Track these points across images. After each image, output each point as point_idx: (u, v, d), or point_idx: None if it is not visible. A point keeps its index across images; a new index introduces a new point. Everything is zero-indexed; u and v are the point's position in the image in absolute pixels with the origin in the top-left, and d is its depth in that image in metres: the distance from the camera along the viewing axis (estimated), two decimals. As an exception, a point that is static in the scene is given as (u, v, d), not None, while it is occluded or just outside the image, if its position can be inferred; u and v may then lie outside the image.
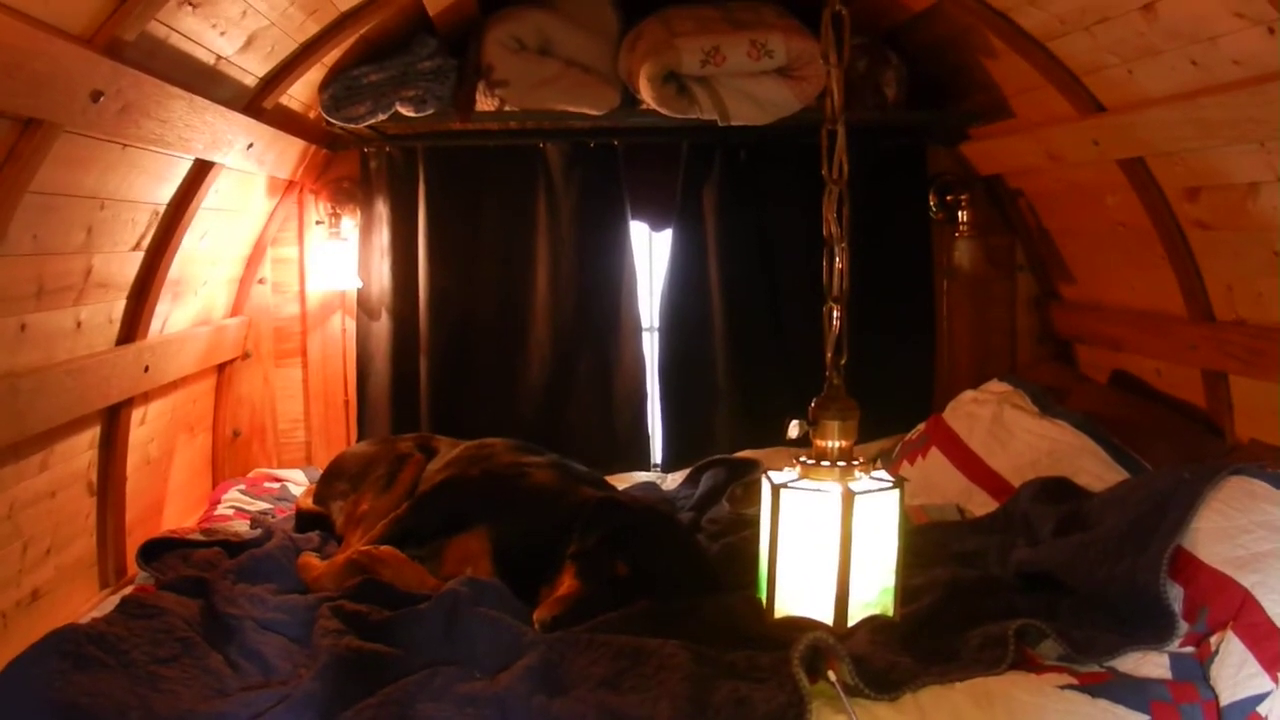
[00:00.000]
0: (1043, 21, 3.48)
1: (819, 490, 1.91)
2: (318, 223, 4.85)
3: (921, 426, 4.42)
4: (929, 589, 2.97)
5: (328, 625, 2.86)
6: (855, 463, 1.95)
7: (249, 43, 3.30)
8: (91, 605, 3.27)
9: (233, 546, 3.54)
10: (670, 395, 4.92)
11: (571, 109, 4.28)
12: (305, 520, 3.93)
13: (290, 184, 4.64)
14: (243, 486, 4.37)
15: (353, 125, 4.25)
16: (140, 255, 3.42)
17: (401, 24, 4.11)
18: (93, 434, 3.42)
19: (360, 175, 4.80)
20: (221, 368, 4.64)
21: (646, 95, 4.13)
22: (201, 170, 3.49)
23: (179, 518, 4.16)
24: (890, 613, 1.99)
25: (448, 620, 2.87)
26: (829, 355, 2.00)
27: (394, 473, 3.90)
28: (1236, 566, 2.58)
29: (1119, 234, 4.02)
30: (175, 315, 3.87)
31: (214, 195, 3.73)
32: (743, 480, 4.18)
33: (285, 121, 4.00)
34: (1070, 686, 2.45)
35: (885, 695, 2.44)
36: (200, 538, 3.62)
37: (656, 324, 4.96)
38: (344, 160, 4.83)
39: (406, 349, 4.83)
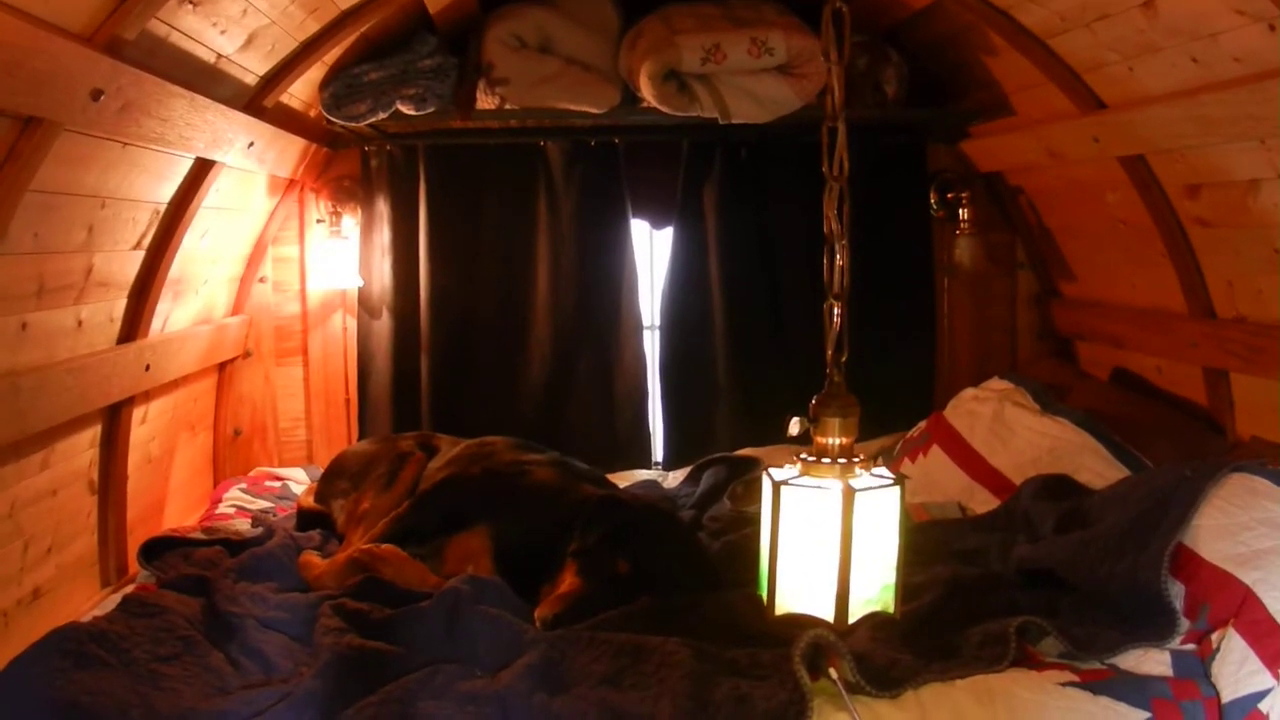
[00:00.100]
0: (1043, 19, 3.48)
1: (820, 487, 1.91)
2: (318, 221, 4.85)
3: (922, 424, 4.42)
4: (930, 586, 2.97)
5: (329, 623, 2.86)
6: (856, 460, 1.95)
7: (249, 41, 3.30)
8: (93, 604, 3.28)
9: (234, 545, 3.54)
10: (671, 393, 4.92)
11: (572, 107, 4.28)
12: (306, 519, 3.93)
13: (291, 182, 4.64)
14: (244, 485, 4.37)
15: (353, 123, 4.25)
16: (141, 254, 3.42)
17: (402, 22, 4.11)
18: (94, 433, 3.42)
19: (361, 174, 4.80)
20: (222, 366, 4.64)
21: (647, 93, 4.13)
22: (202, 169, 3.49)
23: (180, 516, 4.17)
24: (891, 610, 1.99)
25: (449, 618, 2.87)
26: (830, 352, 2.01)
27: (395, 471, 3.90)
28: (1238, 563, 2.58)
29: (1119, 231, 4.01)
30: (176, 314, 3.87)
31: (215, 194, 3.73)
32: (744, 478, 4.18)
33: (286, 120, 4.00)
34: (1071, 684, 2.45)
35: (886, 692, 2.44)
36: (201, 536, 3.63)
37: (657, 322, 4.96)
38: (345, 159, 4.83)
39: (407, 347, 4.83)
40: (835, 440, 1.96)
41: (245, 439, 4.88)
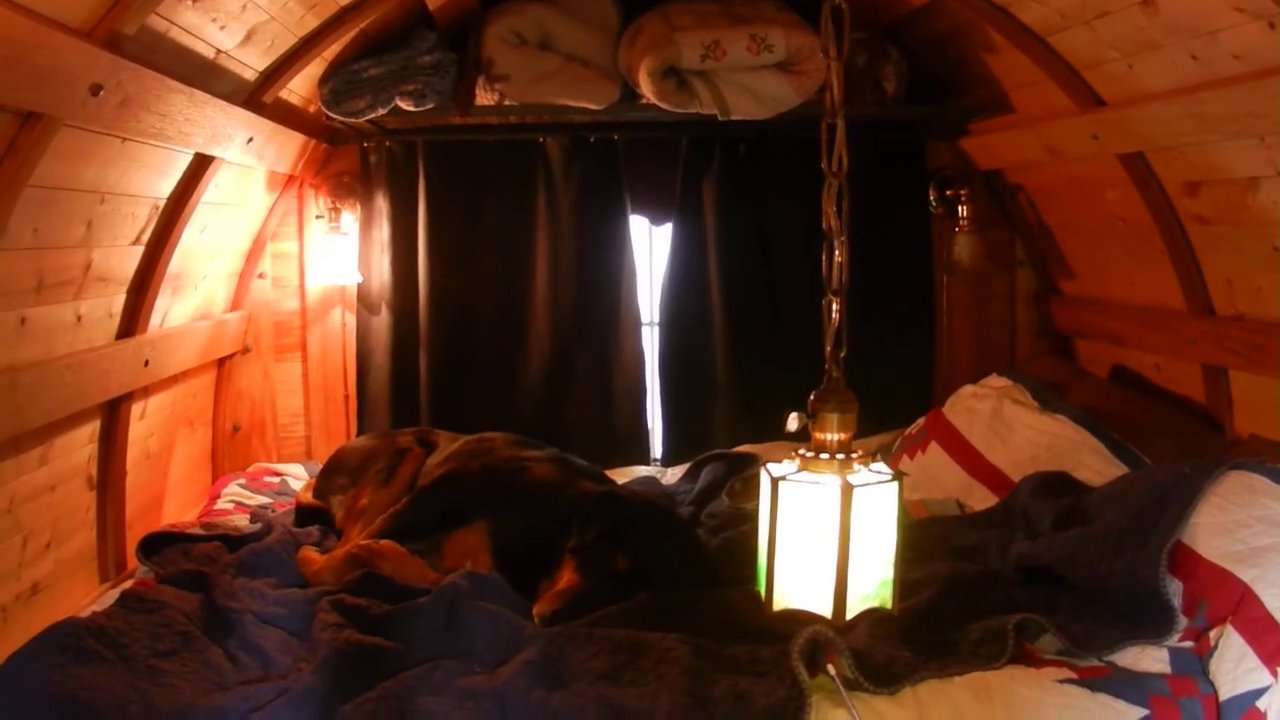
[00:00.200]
0: (1043, 16, 3.48)
1: (818, 483, 1.91)
2: (317, 217, 4.85)
3: (921, 421, 4.43)
4: (929, 583, 2.97)
5: (327, 619, 2.86)
6: (854, 455, 1.95)
7: (249, 37, 3.29)
8: (91, 599, 3.28)
9: (232, 541, 3.54)
10: (670, 390, 4.92)
11: (571, 103, 4.28)
12: (305, 514, 3.93)
13: (290, 178, 4.64)
14: (242, 481, 4.37)
15: (352, 120, 4.25)
16: (140, 249, 3.42)
17: (401, 18, 4.11)
18: (92, 428, 3.42)
19: (360, 170, 4.80)
20: (221, 362, 4.64)
21: (646, 90, 4.13)
22: (201, 164, 3.49)
23: (179, 512, 4.17)
24: (889, 605, 1.99)
25: (447, 614, 2.87)
26: (828, 348, 2.01)
27: (393, 467, 3.90)
28: (1236, 561, 2.58)
29: (1119, 229, 4.01)
30: (175, 310, 3.87)
31: (214, 189, 3.73)
32: (742, 475, 4.18)
33: (285, 116, 4.00)
34: (1069, 681, 2.46)
35: (884, 689, 2.45)
36: (200, 532, 3.63)
37: (656, 319, 4.96)
38: (344, 155, 4.83)
39: (406, 344, 4.83)
40: (833, 436, 1.96)
41: (244, 435, 4.88)
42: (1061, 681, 2.45)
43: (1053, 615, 2.72)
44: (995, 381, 4.30)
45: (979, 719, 2.41)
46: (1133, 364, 4.31)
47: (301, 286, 4.92)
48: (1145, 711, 2.38)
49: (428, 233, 4.75)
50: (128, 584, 3.27)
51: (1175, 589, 2.66)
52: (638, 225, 4.96)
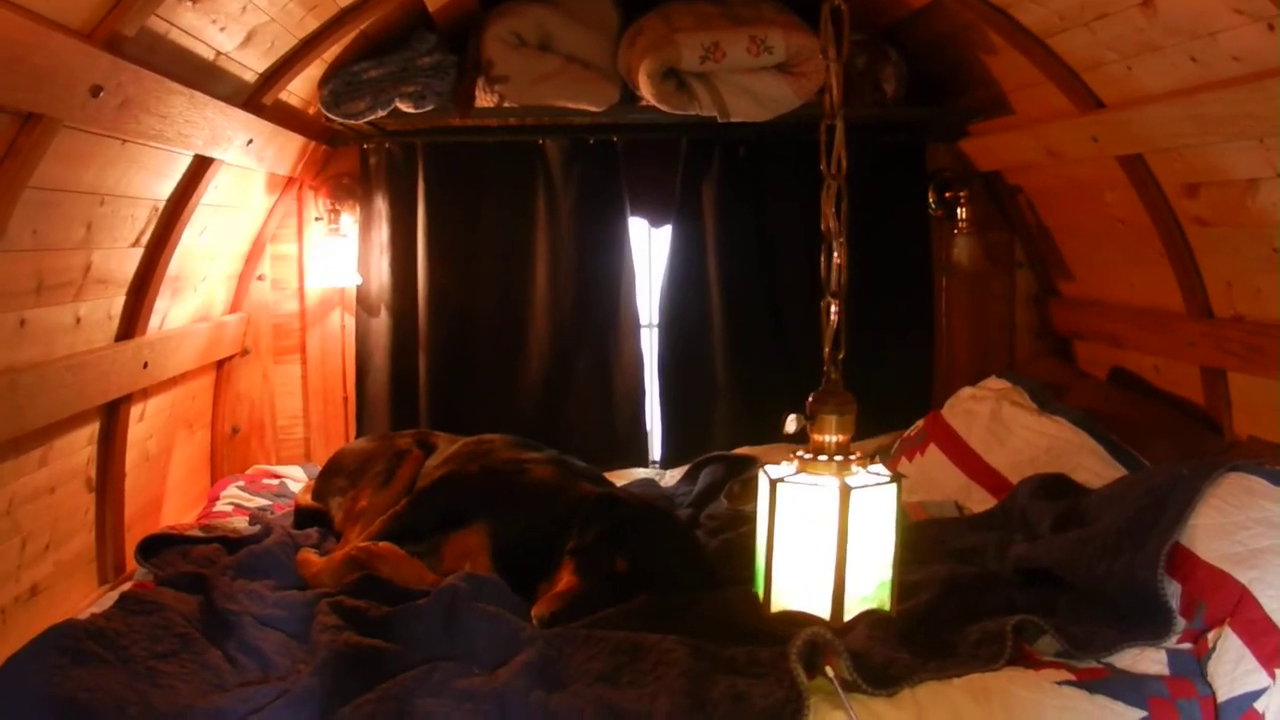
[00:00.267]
0: (1042, 18, 3.48)
1: (816, 485, 1.92)
2: (317, 219, 4.85)
3: (920, 423, 4.42)
4: (927, 585, 2.97)
5: (326, 621, 2.86)
6: (852, 457, 1.95)
7: (249, 38, 3.30)
8: (90, 601, 3.28)
9: (231, 543, 3.54)
10: (669, 392, 4.92)
11: (571, 105, 4.28)
12: (304, 516, 3.93)
13: (290, 180, 4.64)
14: (241, 483, 4.37)
15: (352, 121, 4.25)
16: (140, 251, 3.42)
17: (401, 20, 4.11)
18: (92, 430, 3.42)
19: (360, 171, 4.80)
20: (220, 364, 4.64)
21: (646, 91, 4.13)
22: (201, 166, 3.49)
23: (178, 514, 4.17)
24: (887, 607, 1.99)
25: (446, 616, 2.87)
26: (826, 350, 2.01)
27: (392, 469, 3.90)
28: (1234, 563, 2.59)
29: (1118, 230, 4.02)
30: (174, 311, 3.88)
31: (213, 191, 3.73)
32: (741, 477, 4.18)
33: (285, 117, 4.00)
34: (1068, 682, 2.46)
35: (883, 691, 2.45)
36: (199, 534, 3.63)
37: (656, 320, 4.96)
38: (343, 156, 4.83)
39: (406, 345, 4.83)
40: (832, 438, 1.96)
41: (243, 437, 4.88)
42: (1060, 683, 2.45)
43: (1051, 617, 2.72)
44: (994, 383, 4.30)
45: (977, 720, 2.41)
46: (1131, 366, 4.31)
47: (301, 288, 4.92)
48: (1144, 713, 2.38)
49: (427, 234, 4.75)
50: (127, 586, 3.27)
51: (1173, 591, 2.66)
52: (637, 227, 4.96)
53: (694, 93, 4.12)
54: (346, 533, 3.71)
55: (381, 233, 4.79)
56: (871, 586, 1.95)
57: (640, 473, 4.67)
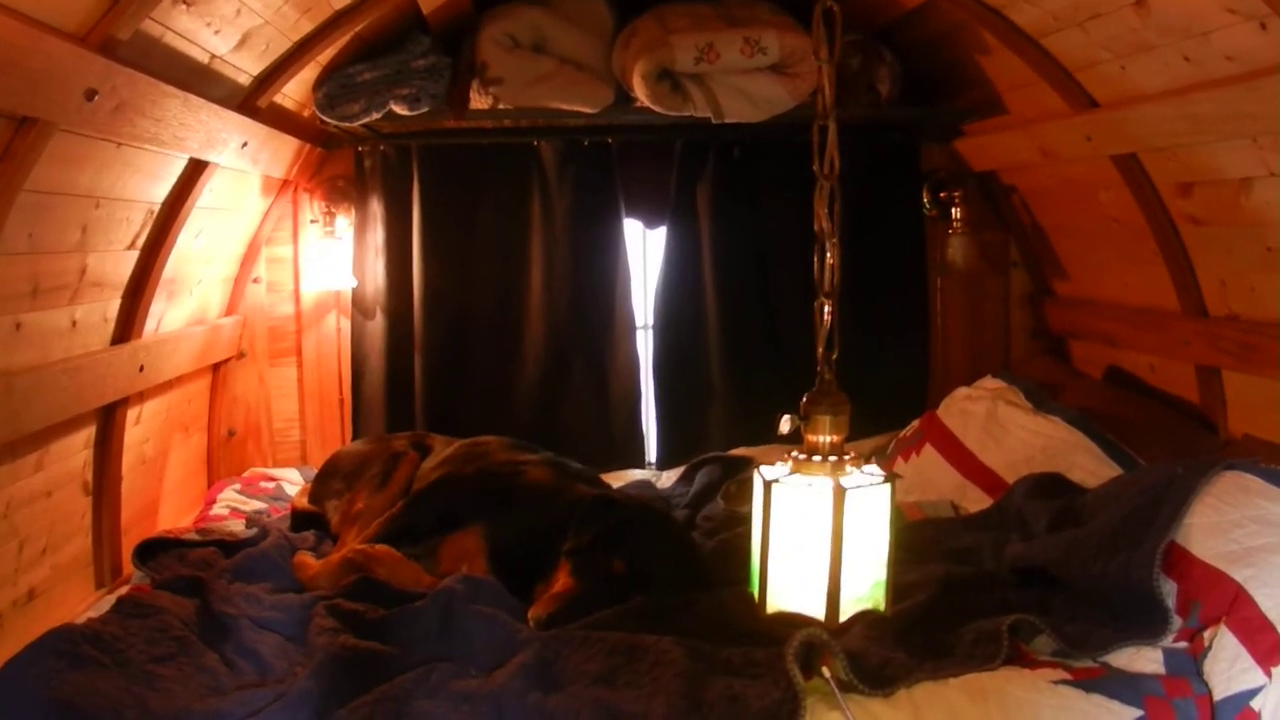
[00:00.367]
0: (1036, 18, 3.49)
1: (810, 485, 1.92)
2: (312, 222, 4.84)
3: (916, 423, 4.43)
4: (923, 585, 2.98)
5: (323, 623, 2.86)
6: (847, 457, 1.96)
7: (243, 41, 3.30)
8: (87, 605, 3.27)
9: (228, 546, 3.54)
10: (665, 393, 4.92)
11: (566, 107, 4.28)
12: (301, 519, 3.93)
13: (285, 183, 4.64)
14: (238, 486, 4.37)
15: (347, 124, 4.25)
16: (135, 254, 3.42)
17: (396, 22, 4.11)
18: (88, 433, 3.41)
19: (355, 174, 4.80)
20: (216, 367, 4.64)
21: (640, 93, 4.13)
22: (196, 169, 3.49)
23: (174, 517, 4.17)
24: (882, 607, 2.00)
25: (443, 618, 2.87)
26: (820, 350, 2.01)
27: (389, 471, 3.90)
28: (1230, 561, 2.59)
29: (1112, 230, 4.02)
30: (170, 314, 3.87)
31: (208, 194, 3.73)
32: (737, 478, 4.19)
33: (280, 120, 3.99)
34: (1064, 682, 2.45)
35: (880, 691, 2.45)
36: (196, 537, 3.62)
37: (651, 322, 4.96)
38: (338, 159, 4.83)
39: (401, 348, 4.83)
40: (826, 438, 1.96)
41: (239, 440, 4.87)
42: (1056, 682, 2.45)
43: (1047, 616, 2.73)
44: (989, 383, 4.30)
45: (974, 720, 2.42)
46: (1127, 365, 4.32)
47: (296, 291, 4.92)
48: (1140, 712, 2.38)
49: (422, 237, 4.75)
50: (124, 590, 3.28)
51: (1169, 589, 2.66)
52: (632, 228, 4.96)
53: (688, 94, 4.13)
54: (343, 535, 3.71)
55: (377, 235, 4.79)
56: (866, 587, 1.96)
57: (636, 474, 4.67)
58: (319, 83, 4.17)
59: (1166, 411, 3.93)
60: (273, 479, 4.54)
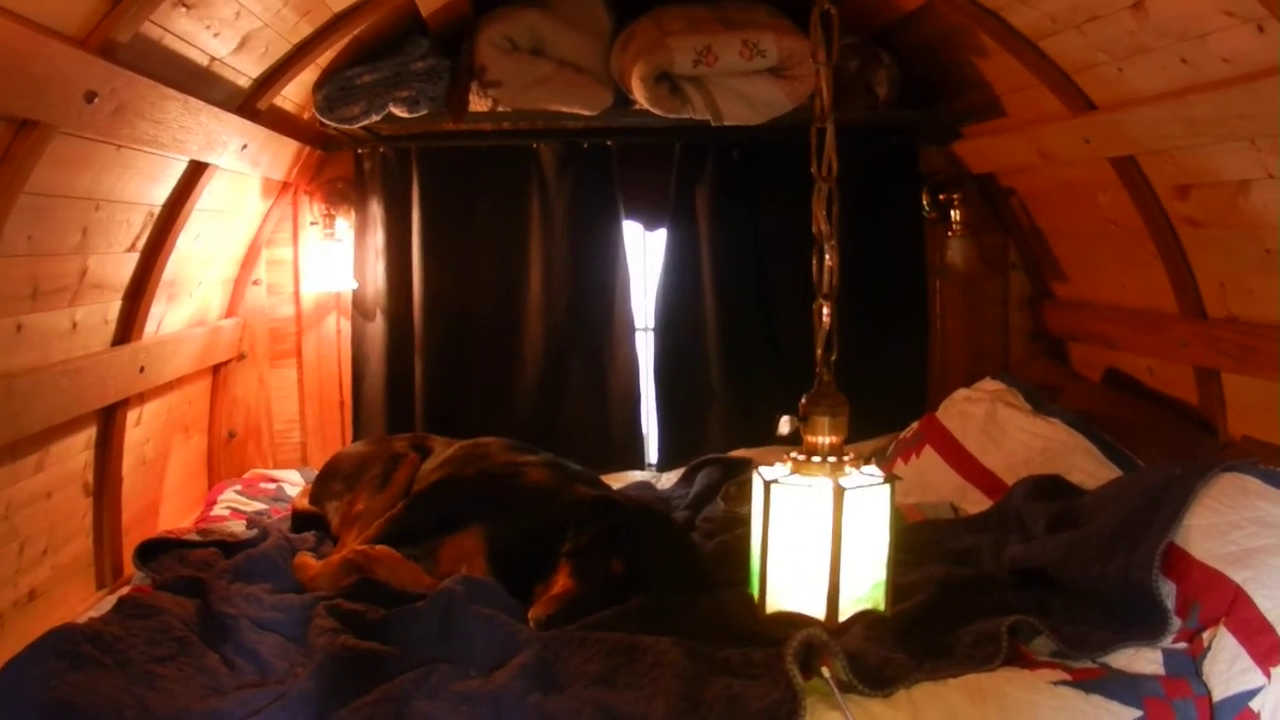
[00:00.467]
0: (1033, 20, 3.50)
1: (809, 486, 1.92)
2: (312, 224, 4.85)
3: (915, 425, 4.43)
4: (923, 586, 2.98)
5: (323, 624, 2.86)
6: (846, 458, 1.96)
7: (242, 44, 3.30)
8: (88, 605, 3.28)
9: (229, 547, 3.54)
10: (664, 395, 4.93)
11: (564, 109, 4.29)
12: (301, 520, 3.93)
13: (284, 185, 4.65)
14: (238, 487, 4.37)
15: (346, 126, 4.25)
16: (135, 256, 3.42)
17: (395, 24, 4.11)
18: (88, 434, 3.42)
19: (354, 176, 4.81)
20: (217, 369, 4.64)
21: (639, 95, 4.14)
22: (196, 171, 3.50)
23: (175, 518, 4.17)
24: (882, 607, 2.00)
25: (443, 619, 2.88)
26: (819, 352, 2.02)
27: (389, 472, 3.90)
28: (1228, 562, 2.59)
29: (1111, 232, 4.03)
30: (170, 316, 3.88)
31: (208, 196, 3.73)
32: (737, 479, 4.19)
33: (279, 122, 4.00)
34: (1063, 682, 2.46)
35: (879, 691, 2.45)
36: (196, 538, 3.63)
37: (650, 324, 4.96)
38: (338, 161, 4.84)
39: (401, 349, 4.83)
40: (825, 439, 1.97)
41: (240, 441, 4.88)
42: (1055, 683, 2.45)
43: (1046, 617, 2.73)
44: (988, 385, 4.31)
45: (973, 721, 2.42)
46: (1125, 367, 4.32)
47: (296, 293, 4.93)
48: (1139, 712, 2.39)
49: (422, 239, 4.76)
50: (124, 590, 3.28)
51: (1168, 590, 2.66)
52: (631, 230, 4.96)
53: (687, 96, 4.13)
54: (343, 536, 3.71)
55: (376, 237, 4.80)
56: (866, 587, 1.96)
57: (636, 475, 4.68)
58: (318, 85, 4.17)
59: (1165, 413, 3.94)
60: (273, 480, 4.55)
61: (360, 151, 4.76)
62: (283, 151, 4.19)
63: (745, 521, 3.28)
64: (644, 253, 5.14)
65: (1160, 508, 2.78)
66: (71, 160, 2.75)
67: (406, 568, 3.31)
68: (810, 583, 1.92)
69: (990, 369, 4.73)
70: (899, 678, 2.48)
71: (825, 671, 2.46)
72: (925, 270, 5.03)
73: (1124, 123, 3.44)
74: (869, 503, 1.93)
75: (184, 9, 2.84)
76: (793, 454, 1.99)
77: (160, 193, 3.40)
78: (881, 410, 4.45)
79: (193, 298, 4.09)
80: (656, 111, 4.16)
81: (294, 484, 4.53)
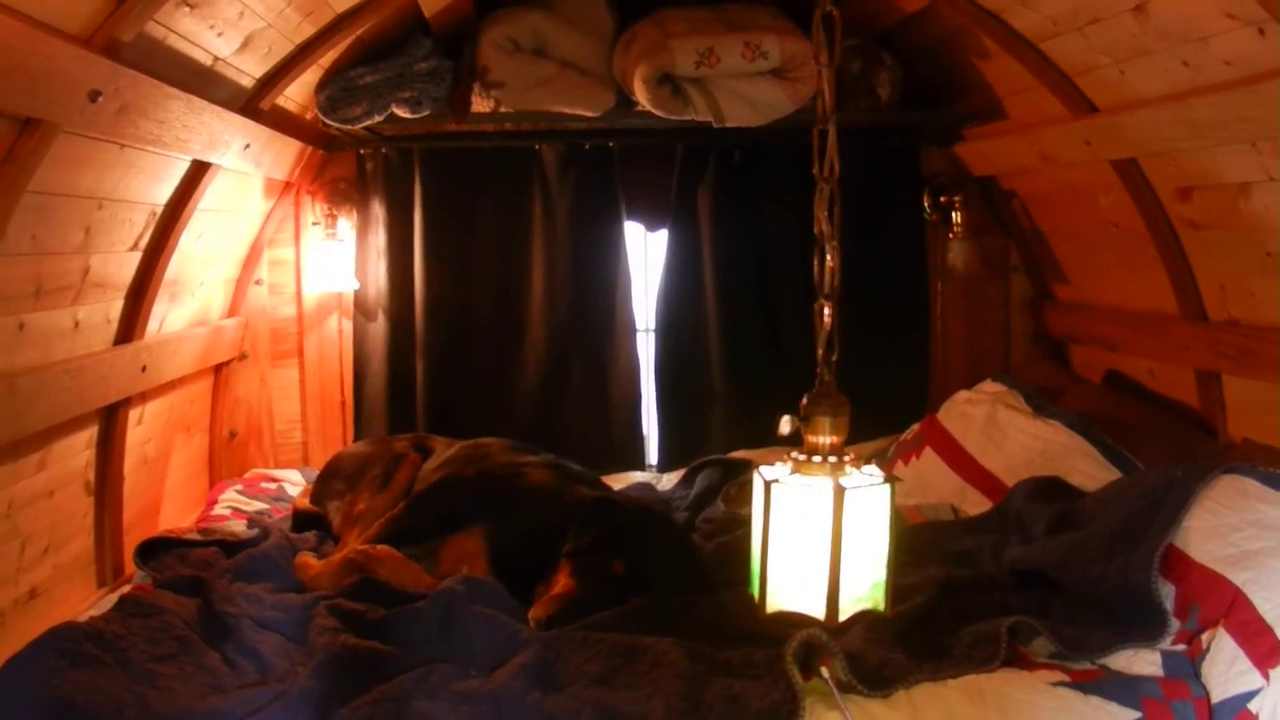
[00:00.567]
0: (1035, 23, 3.50)
1: (810, 486, 1.93)
2: (314, 224, 4.86)
3: (916, 427, 4.44)
4: (923, 587, 2.98)
5: (324, 623, 2.87)
6: (846, 458, 1.96)
7: (246, 44, 3.31)
8: (89, 604, 3.28)
9: (230, 546, 3.54)
10: (665, 396, 4.93)
11: (567, 110, 4.29)
12: (302, 520, 3.94)
13: (287, 185, 4.65)
14: (240, 487, 4.37)
15: (349, 126, 4.26)
16: (138, 255, 3.43)
17: (397, 25, 4.11)
18: (90, 433, 3.42)
19: (356, 176, 4.82)
20: (218, 368, 4.65)
21: (641, 96, 4.14)
22: (199, 171, 3.51)
23: (176, 518, 4.17)
24: (881, 607, 2.00)
25: (444, 618, 2.88)
26: (820, 352, 2.02)
27: (390, 472, 3.91)
28: (1228, 564, 2.60)
29: (1112, 234, 4.03)
30: (172, 316, 3.88)
31: (211, 196, 3.74)
32: (737, 480, 4.19)
33: (282, 123, 4.01)
34: (1062, 684, 2.46)
35: (878, 692, 2.45)
36: (197, 537, 3.63)
37: (652, 325, 4.97)
38: (340, 161, 4.84)
39: (403, 350, 4.84)
40: (826, 439, 1.97)
41: (241, 441, 4.89)
42: (1054, 684, 2.46)
43: (1046, 618, 2.73)
44: (989, 387, 4.31)
45: (972, 722, 2.42)
46: (1126, 369, 4.32)
47: (298, 293, 4.93)
48: (1138, 714, 2.39)
49: (424, 239, 4.76)
50: (125, 589, 3.28)
51: (1168, 592, 2.66)
52: (633, 232, 4.96)
53: (689, 98, 4.14)
54: (344, 536, 3.72)
55: (378, 237, 4.80)
56: (866, 587, 1.96)
57: (637, 476, 4.68)
58: (321, 85, 4.18)
59: (1166, 415, 3.94)
60: (274, 480, 4.55)
61: (362, 152, 4.77)
62: (285, 151, 4.19)
63: (745, 523, 3.28)
64: (645, 254, 5.14)
65: (1160, 510, 2.78)
66: (75, 159, 2.76)
67: (407, 567, 3.32)
68: (810, 582, 1.93)
69: (991, 371, 4.73)
70: (898, 678, 2.49)
71: (825, 672, 2.46)
72: (926, 272, 5.04)
73: (1125, 125, 3.44)
74: (869, 503, 1.93)
75: (188, 8, 2.85)
76: (793, 454, 2.00)
77: (163, 192, 3.41)
78: (882, 412, 4.45)
79: (195, 297, 4.10)
80: (658, 113, 4.17)
81: (295, 484, 4.54)
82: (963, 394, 4.37)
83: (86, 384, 3.20)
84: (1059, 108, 3.74)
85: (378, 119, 4.24)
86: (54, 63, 2.38)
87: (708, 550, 3.52)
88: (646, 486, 4.48)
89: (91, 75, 2.53)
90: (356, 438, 4.83)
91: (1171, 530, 2.72)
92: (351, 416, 4.94)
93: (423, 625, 2.87)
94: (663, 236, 4.91)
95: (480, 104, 4.30)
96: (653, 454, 5.02)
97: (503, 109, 4.28)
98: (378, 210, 4.78)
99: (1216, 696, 2.43)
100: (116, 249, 3.26)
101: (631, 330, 4.89)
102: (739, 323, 4.86)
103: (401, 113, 4.24)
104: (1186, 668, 2.52)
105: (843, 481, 1.91)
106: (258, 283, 4.83)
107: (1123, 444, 3.68)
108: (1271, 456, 3.21)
